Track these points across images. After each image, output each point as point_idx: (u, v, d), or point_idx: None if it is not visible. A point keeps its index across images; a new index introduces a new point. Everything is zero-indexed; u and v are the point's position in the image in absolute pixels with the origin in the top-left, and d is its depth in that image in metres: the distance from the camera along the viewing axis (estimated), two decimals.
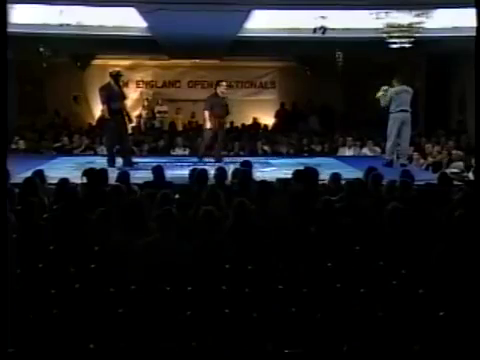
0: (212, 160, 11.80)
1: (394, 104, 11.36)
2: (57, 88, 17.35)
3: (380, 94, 11.58)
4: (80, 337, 4.87)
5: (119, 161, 11.21)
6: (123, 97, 11.49)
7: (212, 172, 8.05)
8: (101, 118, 15.52)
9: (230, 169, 8.44)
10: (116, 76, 11.33)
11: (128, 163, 11.12)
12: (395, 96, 11.39)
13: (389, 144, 11.55)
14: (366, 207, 6.35)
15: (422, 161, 12.78)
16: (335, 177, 7.95)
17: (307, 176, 7.86)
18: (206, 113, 12.03)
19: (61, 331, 4.90)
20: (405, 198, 6.80)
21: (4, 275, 3.88)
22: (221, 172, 7.96)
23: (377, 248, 5.55)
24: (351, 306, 5.14)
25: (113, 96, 11.14)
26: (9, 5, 9.80)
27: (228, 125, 17.82)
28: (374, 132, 15.24)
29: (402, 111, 11.36)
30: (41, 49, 14.38)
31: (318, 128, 17.24)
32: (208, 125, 11.95)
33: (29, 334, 4.85)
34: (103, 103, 11.31)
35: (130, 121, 11.95)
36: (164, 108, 18.13)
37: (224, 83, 12.29)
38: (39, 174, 7.71)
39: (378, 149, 14.32)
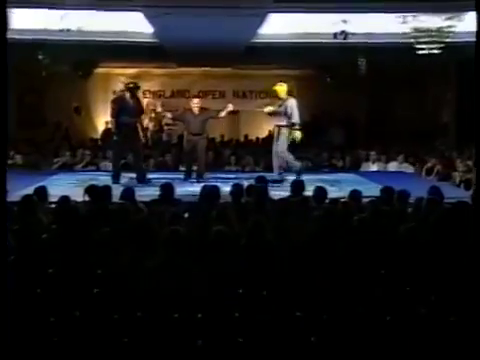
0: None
1: (296, 117, 11.51)
2: (57, 99, 17.42)
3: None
4: None
5: (123, 177, 11.33)
6: (140, 111, 11.63)
7: (226, 189, 8.08)
8: (106, 130, 15.66)
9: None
10: (133, 89, 11.45)
11: (142, 179, 11.23)
12: (295, 109, 11.54)
13: (285, 159, 11.58)
14: (391, 227, 6.31)
15: (456, 175, 12.73)
16: (355, 195, 7.88)
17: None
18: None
19: None
20: (433, 217, 6.75)
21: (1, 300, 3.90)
22: (237, 189, 7.97)
23: (403, 272, 5.53)
24: (376, 335, 5.12)
25: (125, 110, 11.25)
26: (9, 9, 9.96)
27: (242, 138, 18.03)
28: (400, 146, 15.29)
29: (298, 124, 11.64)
30: (40, 57, 14.46)
31: (342, 141, 17.20)
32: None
33: None
34: (112, 116, 11.46)
35: (145, 137, 12.10)
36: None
37: (196, 100, 12.45)
38: (40, 191, 7.75)
39: (408, 165, 14.44)
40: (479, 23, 5.71)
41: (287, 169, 11.70)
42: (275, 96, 11.91)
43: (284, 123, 11.55)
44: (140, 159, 11.78)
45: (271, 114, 11.83)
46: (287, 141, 11.58)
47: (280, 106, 11.62)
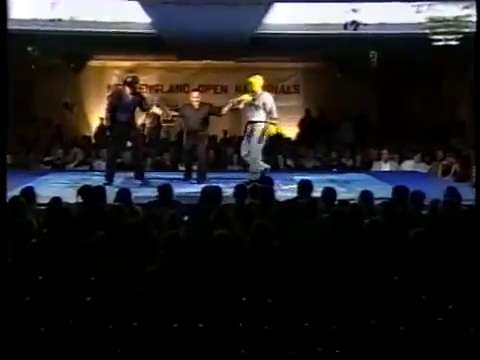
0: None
1: (275, 112, 11.36)
2: (48, 94, 17.41)
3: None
4: None
5: (118, 177, 11.36)
6: (144, 108, 11.64)
7: (228, 190, 8.08)
8: (101, 128, 15.67)
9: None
10: (131, 83, 11.41)
11: (140, 176, 11.34)
12: (274, 104, 11.40)
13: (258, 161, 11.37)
14: (404, 231, 6.30)
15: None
16: (366, 196, 7.87)
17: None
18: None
19: None
20: (450, 220, 6.73)
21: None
22: (241, 190, 7.97)
23: (418, 279, 5.51)
24: (388, 346, 5.10)
25: (123, 106, 11.22)
26: None
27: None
28: (414, 144, 15.28)
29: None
30: (29, 48, 14.48)
31: (352, 139, 17.19)
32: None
33: None
34: (108, 111, 11.44)
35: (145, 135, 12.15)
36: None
37: (196, 93, 12.23)
38: (27, 192, 7.75)
39: (425, 164, 14.44)
40: (479, 18, 5.72)
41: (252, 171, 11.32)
42: (250, 90, 11.52)
43: (258, 119, 11.27)
44: (139, 155, 11.78)
45: (246, 107, 11.49)
46: (262, 140, 11.30)
47: (254, 100, 11.35)
